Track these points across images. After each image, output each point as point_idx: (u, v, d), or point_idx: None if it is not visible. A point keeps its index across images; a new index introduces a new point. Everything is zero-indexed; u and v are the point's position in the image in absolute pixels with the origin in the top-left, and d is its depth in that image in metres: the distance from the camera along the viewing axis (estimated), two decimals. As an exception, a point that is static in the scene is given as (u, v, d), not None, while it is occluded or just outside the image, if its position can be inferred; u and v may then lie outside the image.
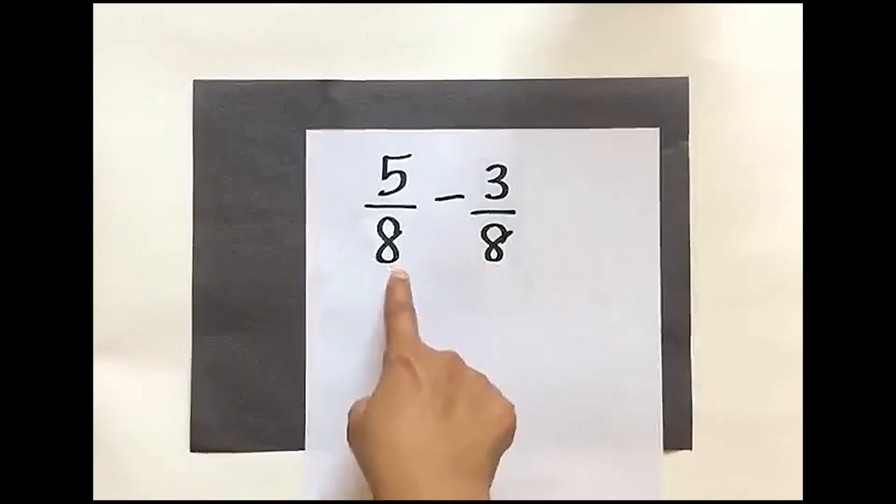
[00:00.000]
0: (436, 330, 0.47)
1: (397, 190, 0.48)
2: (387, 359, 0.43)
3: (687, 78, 0.48)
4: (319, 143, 0.48)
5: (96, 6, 0.46)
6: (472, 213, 0.48)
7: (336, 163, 0.48)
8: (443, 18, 0.48)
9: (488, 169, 0.48)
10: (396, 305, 0.46)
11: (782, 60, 0.48)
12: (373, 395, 0.42)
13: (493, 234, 0.48)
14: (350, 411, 0.43)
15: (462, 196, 0.48)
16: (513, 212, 0.48)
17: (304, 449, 0.47)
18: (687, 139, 0.48)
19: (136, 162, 0.47)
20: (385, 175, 0.48)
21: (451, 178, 0.48)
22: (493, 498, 0.44)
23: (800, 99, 0.45)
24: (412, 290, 0.47)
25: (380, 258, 0.48)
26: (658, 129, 0.48)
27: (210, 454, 0.47)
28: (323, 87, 0.48)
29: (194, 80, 0.48)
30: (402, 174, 0.48)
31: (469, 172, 0.48)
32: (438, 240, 0.48)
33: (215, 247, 0.48)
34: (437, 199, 0.48)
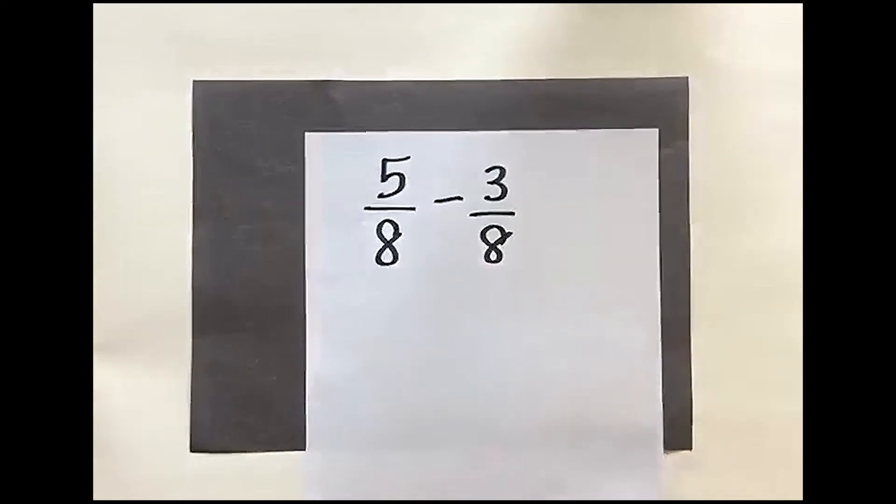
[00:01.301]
0: (435, 332, 0.47)
1: (396, 192, 0.48)
2: None
3: (687, 78, 0.48)
4: (318, 146, 0.48)
5: (96, 6, 0.46)
6: (472, 214, 0.48)
7: (335, 165, 0.48)
8: (443, 18, 0.48)
9: (487, 170, 0.48)
10: None
11: (782, 60, 0.48)
12: None
13: (493, 235, 0.48)
14: None
15: (461, 198, 0.48)
16: (512, 213, 0.48)
17: (303, 449, 0.47)
18: (686, 139, 0.48)
19: (136, 162, 0.47)
20: (384, 177, 0.48)
21: (451, 180, 0.48)
22: (494, 498, 0.44)
23: (800, 99, 0.45)
24: (412, 291, 0.47)
25: (379, 260, 0.48)
26: (657, 129, 0.48)
27: (210, 454, 0.47)
28: (323, 88, 0.48)
29: (194, 81, 0.48)
30: (401, 176, 0.48)
31: (468, 174, 0.48)
32: (438, 242, 0.48)
33: (215, 247, 0.48)
34: (436, 201, 0.48)
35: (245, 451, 0.47)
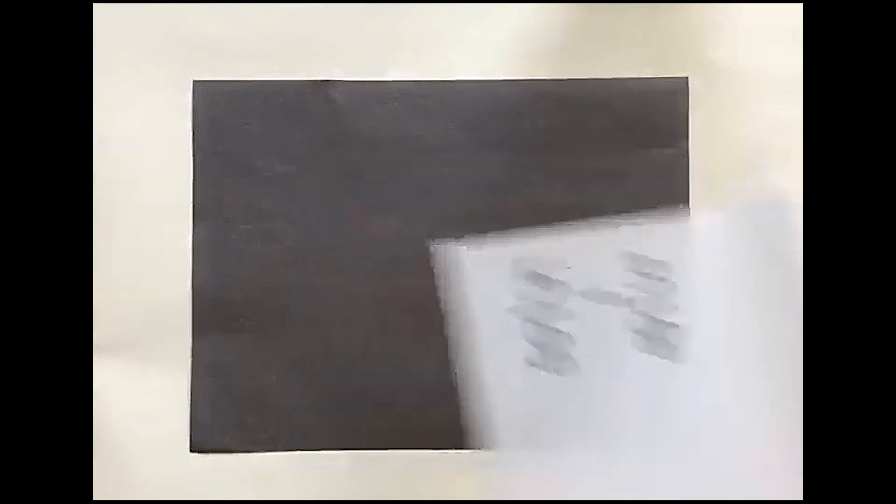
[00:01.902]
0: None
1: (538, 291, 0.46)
2: None
3: (686, 78, 0.48)
4: (455, 259, 0.45)
5: (96, 6, 0.46)
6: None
7: (474, 278, 0.45)
8: (444, 18, 0.48)
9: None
10: None
11: (782, 60, 0.48)
12: None
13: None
14: None
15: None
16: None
17: (304, 449, 0.47)
18: (686, 139, 0.48)
19: (136, 162, 0.47)
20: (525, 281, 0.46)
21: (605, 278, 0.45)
22: (498, 497, 0.44)
23: (800, 99, 0.45)
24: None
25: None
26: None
27: (210, 454, 0.47)
28: (323, 88, 0.48)
29: (194, 81, 0.48)
30: (546, 277, 0.45)
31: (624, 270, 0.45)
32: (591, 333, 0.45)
33: (215, 247, 0.48)
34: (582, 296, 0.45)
35: (245, 452, 0.47)
